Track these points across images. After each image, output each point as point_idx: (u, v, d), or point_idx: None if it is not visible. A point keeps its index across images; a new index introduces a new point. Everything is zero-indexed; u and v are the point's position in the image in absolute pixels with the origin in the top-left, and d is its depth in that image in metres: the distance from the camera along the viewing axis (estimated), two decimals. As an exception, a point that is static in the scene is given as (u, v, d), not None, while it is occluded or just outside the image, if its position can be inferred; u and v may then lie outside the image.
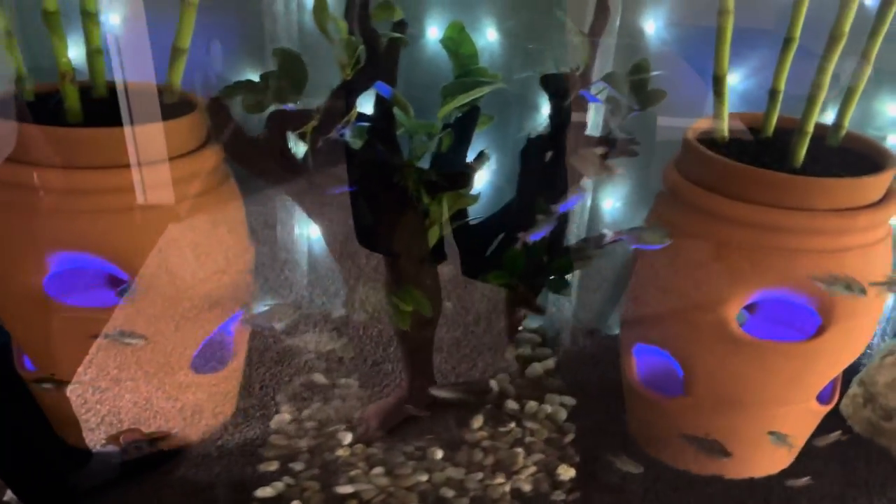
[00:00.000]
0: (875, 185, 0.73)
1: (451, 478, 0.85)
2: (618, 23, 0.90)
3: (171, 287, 0.73)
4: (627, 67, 0.81)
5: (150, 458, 0.83)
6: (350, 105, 0.67)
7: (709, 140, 0.78)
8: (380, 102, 0.69)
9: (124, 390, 0.79)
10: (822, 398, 0.86)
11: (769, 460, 0.88)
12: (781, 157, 0.75)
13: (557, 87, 0.75)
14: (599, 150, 0.79)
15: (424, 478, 0.85)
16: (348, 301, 0.86)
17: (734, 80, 0.98)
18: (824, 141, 0.80)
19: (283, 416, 0.91)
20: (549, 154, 0.82)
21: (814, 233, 0.72)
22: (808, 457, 0.91)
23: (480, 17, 0.98)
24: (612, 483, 0.86)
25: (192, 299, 0.75)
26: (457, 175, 0.73)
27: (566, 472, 0.87)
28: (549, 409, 0.96)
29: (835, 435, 0.83)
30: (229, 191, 0.77)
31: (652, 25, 0.97)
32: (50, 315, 0.71)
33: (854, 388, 0.97)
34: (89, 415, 0.80)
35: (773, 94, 0.77)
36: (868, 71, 0.75)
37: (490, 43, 1.03)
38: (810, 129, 0.73)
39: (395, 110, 0.73)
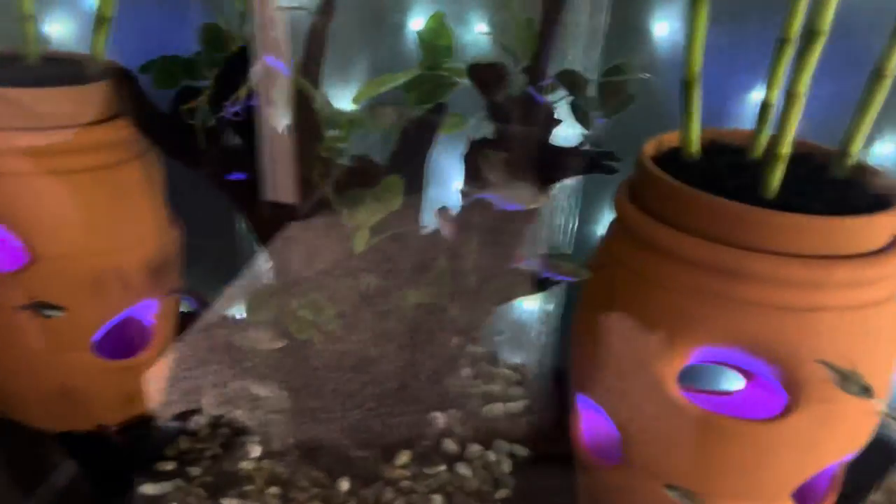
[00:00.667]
0: (863, 228, 0.56)
1: (347, 511, 0.76)
2: (605, 19, 0.78)
3: (73, 257, 0.70)
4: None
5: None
6: (238, 83, 0.62)
7: (671, 159, 0.65)
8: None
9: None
10: (802, 498, 0.68)
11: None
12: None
13: (485, 79, 0.65)
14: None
15: (319, 507, 0.76)
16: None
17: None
18: (827, 171, 0.63)
19: (200, 419, 0.86)
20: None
21: (775, 283, 0.56)
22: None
23: (471, 9, 0.89)
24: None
25: (97, 272, 0.72)
26: (368, 169, 0.65)
27: (481, 533, 0.75)
28: (492, 456, 0.84)
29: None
30: (146, 165, 0.74)
31: (664, 27, 0.84)
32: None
33: (875, 495, 0.77)
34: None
35: (763, 107, 0.62)
36: (888, 83, 0.58)
37: (477, 38, 0.93)
38: (784, 151, 0.57)
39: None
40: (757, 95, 0.83)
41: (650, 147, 0.65)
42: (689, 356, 0.61)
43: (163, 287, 0.79)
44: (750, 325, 0.57)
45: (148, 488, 0.77)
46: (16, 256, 0.71)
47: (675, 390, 0.62)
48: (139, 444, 0.83)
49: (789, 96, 0.55)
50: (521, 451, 0.86)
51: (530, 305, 1.02)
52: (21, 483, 0.79)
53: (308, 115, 0.67)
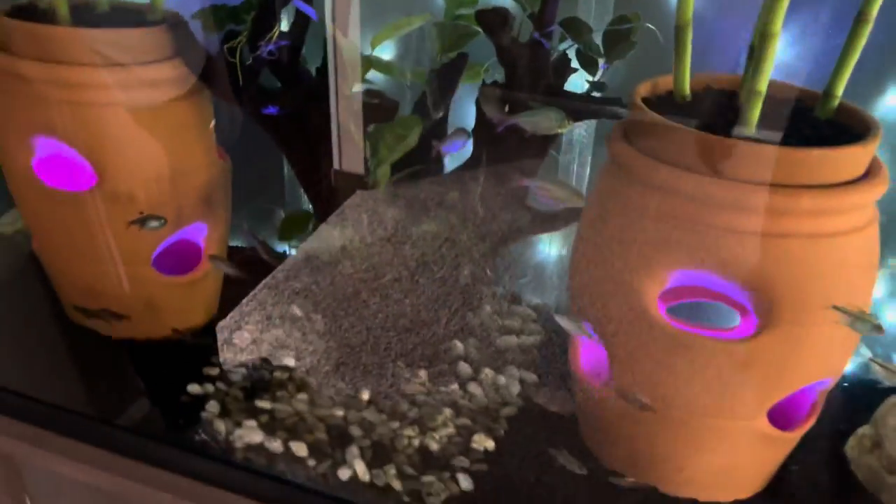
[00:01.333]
0: (828, 160, 0.60)
1: (365, 419, 0.85)
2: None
3: (133, 180, 0.81)
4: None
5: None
6: (271, 25, 0.70)
7: (664, 101, 0.70)
8: (297, 22, 0.71)
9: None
10: (783, 422, 0.72)
11: (716, 483, 0.76)
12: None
13: (490, 24, 0.71)
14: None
15: (340, 413, 0.85)
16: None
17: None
18: (813, 112, 0.67)
19: (244, 334, 0.96)
20: (506, 105, 0.78)
21: (743, 210, 0.61)
22: (780, 496, 0.78)
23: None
24: (526, 465, 0.80)
25: (154, 195, 0.82)
26: (381, 107, 0.73)
27: (483, 443, 0.82)
28: (502, 380, 0.91)
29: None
30: (198, 102, 0.84)
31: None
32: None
33: (864, 428, 0.80)
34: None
35: (751, 50, 0.66)
36: (867, 29, 0.62)
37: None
38: (760, 87, 0.62)
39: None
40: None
41: (644, 88, 0.70)
42: (668, 279, 0.66)
43: (211, 214, 0.90)
44: (721, 250, 0.62)
45: (194, 388, 0.88)
46: (86, 178, 0.82)
47: (654, 310, 0.68)
48: (192, 352, 0.94)
49: (762, 36, 0.60)
50: (530, 376, 0.93)
51: (550, 250, 1.08)
52: (95, 384, 0.92)
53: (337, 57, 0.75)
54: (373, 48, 0.77)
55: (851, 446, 0.81)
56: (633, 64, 0.83)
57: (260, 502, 0.78)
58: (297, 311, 1.00)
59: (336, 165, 0.77)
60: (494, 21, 0.71)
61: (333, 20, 0.74)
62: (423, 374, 0.91)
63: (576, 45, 0.75)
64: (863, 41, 0.62)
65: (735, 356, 0.66)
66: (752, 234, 0.61)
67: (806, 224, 0.60)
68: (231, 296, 1.01)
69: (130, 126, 0.79)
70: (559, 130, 0.71)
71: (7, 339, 0.98)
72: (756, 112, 0.62)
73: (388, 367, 0.91)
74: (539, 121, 0.67)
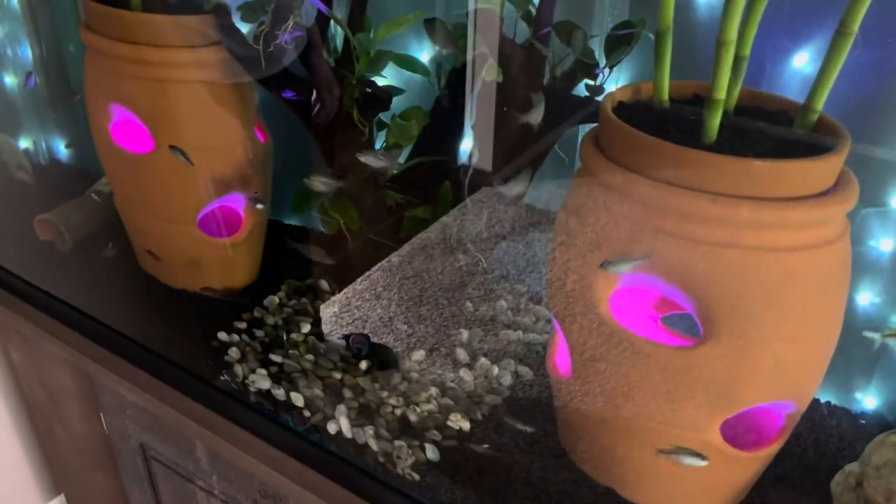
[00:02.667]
0: (777, 172, 0.59)
1: (358, 385, 0.92)
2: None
3: (184, 147, 0.93)
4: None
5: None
6: (286, 16, 0.78)
7: (641, 106, 0.70)
8: (318, 16, 0.79)
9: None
10: (740, 442, 0.71)
11: (673, 495, 0.76)
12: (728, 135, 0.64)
13: (481, 25, 0.75)
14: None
15: (338, 376, 0.93)
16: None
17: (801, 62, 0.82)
18: (792, 124, 0.65)
19: (274, 299, 1.07)
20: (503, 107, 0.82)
21: (687, 217, 0.61)
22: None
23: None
24: (492, 449, 0.84)
25: (200, 163, 0.94)
26: (376, 96, 0.79)
27: (458, 422, 0.87)
28: (496, 370, 0.95)
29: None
30: (241, 84, 0.95)
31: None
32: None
33: (852, 465, 0.76)
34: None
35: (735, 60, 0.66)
36: (848, 42, 0.60)
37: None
38: (718, 97, 0.61)
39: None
40: (799, 60, 0.83)
41: (621, 93, 0.71)
42: (618, 280, 0.68)
43: (250, 186, 1.00)
44: (667, 256, 0.63)
45: (222, 336, 0.99)
46: (146, 142, 0.95)
47: (605, 309, 0.69)
48: (228, 306, 1.06)
49: (718, 44, 0.60)
50: (527, 371, 0.95)
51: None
52: (152, 322, 1.06)
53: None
54: (377, 42, 0.83)
55: (837, 482, 0.77)
56: (646, 69, 0.84)
57: (262, 439, 0.87)
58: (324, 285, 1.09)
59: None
60: (483, 23, 0.75)
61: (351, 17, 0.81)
62: (419, 353, 0.96)
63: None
64: (844, 55, 0.60)
65: (679, 363, 0.66)
66: (695, 241, 0.61)
67: (747, 236, 0.60)
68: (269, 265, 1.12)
69: (182, 101, 0.91)
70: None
71: (94, 279, 1.15)
72: (714, 120, 0.62)
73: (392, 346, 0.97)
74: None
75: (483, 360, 0.96)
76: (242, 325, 1.02)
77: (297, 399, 0.89)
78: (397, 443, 0.83)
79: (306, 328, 1.01)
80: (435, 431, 0.85)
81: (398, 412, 0.88)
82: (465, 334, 1.00)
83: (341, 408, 0.88)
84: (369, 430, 0.85)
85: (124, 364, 0.99)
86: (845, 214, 0.63)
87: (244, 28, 0.88)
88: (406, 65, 0.88)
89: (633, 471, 0.76)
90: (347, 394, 0.91)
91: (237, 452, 0.87)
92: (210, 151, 0.95)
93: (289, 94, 0.84)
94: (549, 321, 1.06)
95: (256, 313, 1.04)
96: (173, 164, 0.94)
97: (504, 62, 0.77)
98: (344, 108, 0.82)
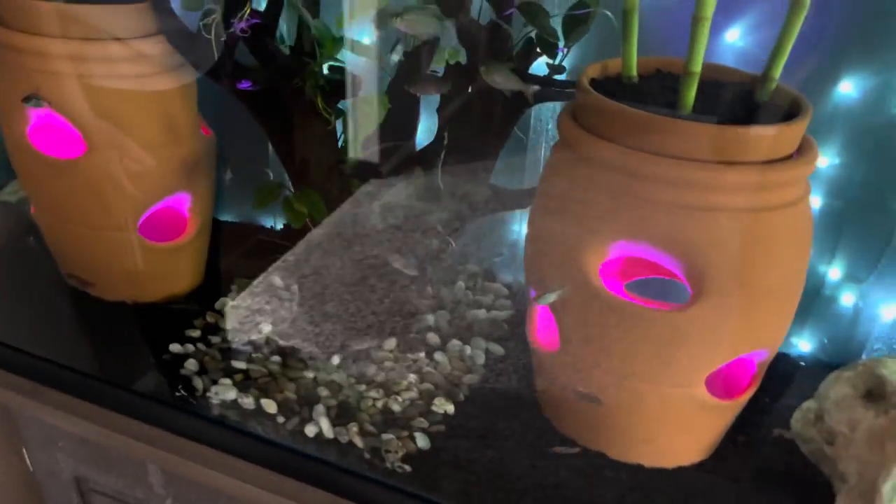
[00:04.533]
0: (753, 137, 0.63)
1: (334, 381, 0.90)
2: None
3: (121, 149, 0.86)
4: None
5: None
6: (242, 2, 0.75)
7: (611, 82, 0.73)
8: (271, 2, 0.75)
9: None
10: (722, 391, 0.76)
11: (659, 449, 0.80)
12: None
13: (448, 6, 0.75)
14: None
15: (311, 375, 0.90)
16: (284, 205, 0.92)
17: (733, 36, 0.88)
18: (754, 94, 0.70)
19: (227, 301, 1.02)
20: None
21: (674, 184, 0.64)
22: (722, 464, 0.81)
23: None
24: (481, 428, 0.85)
25: (140, 164, 0.88)
26: (343, 83, 0.77)
27: (443, 406, 0.87)
28: (468, 350, 0.96)
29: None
30: (181, 77, 0.89)
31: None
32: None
33: (809, 402, 0.83)
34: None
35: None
36: (802, 13, 0.65)
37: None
38: (694, 69, 0.65)
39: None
40: (731, 35, 0.89)
41: (593, 69, 0.73)
42: (609, 250, 0.70)
43: (195, 184, 0.95)
44: (656, 223, 0.66)
45: (175, 347, 0.93)
46: (76, 146, 0.87)
47: (597, 280, 0.71)
48: (175, 315, 1.00)
49: (694, 20, 0.63)
50: (497, 349, 0.97)
51: (523, 229, 1.12)
52: (86, 342, 0.98)
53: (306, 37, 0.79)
54: (339, 28, 0.81)
55: (796, 419, 0.84)
56: (603, 48, 0.87)
57: (232, 455, 0.83)
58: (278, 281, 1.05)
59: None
60: (451, 3, 0.75)
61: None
62: (391, 342, 0.96)
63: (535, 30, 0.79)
64: (798, 25, 0.65)
65: (670, 324, 0.69)
66: (683, 207, 0.65)
67: (735, 199, 0.64)
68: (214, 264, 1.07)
69: (119, 98, 0.84)
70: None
71: (7, 299, 1.04)
72: (690, 92, 0.66)
73: (364, 338, 0.96)
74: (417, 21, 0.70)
75: (455, 342, 0.97)
76: (196, 333, 0.96)
77: (269, 405, 0.86)
78: (384, 436, 0.82)
79: (267, 328, 0.97)
80: (421, 419, 0.85)
81: (379, 404, 0.87)
82: (430, 318, 1.00)
83: (319, 408, 0.85)
84: (353, 428, 0.83)
85: (54, 393, 0.91)
86: (808, 175, 0.69)
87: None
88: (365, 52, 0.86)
89: (620, 433, 0.79)
90: (324, 392, 0.88)
91: (201, 470, 0.82)
92: (153, 150, 0.88)
93: (245, 85, 0.79)
94: (506, 297, 1.08)
95: (209, 318, 0.99)
96: (110, 168, 0.87)
97: (469, 43, 0.78)
98: (306, 96, 0.79)
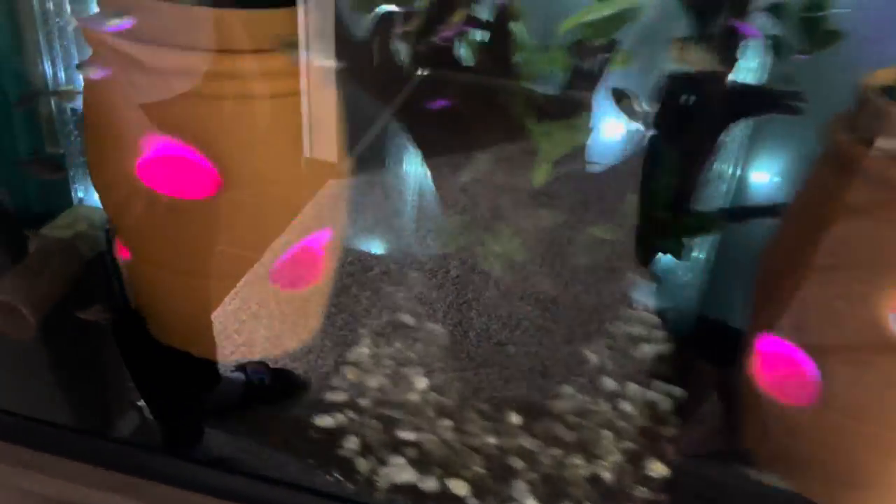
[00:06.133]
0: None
1: (523, 447, 0.76)
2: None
3: (253, 183, 0.69)
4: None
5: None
6: (451, 8, 0.59)
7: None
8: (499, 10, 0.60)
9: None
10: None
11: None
12: None
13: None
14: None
15: (493, 440, 0.77)
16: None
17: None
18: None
19: (363, 350, 0.86)
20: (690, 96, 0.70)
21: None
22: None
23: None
24: (710, 493, 0.74)
25: (272, 200, 0.71)
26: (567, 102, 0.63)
27: (657, 469, 0.75)
28: (652, 395, 0.84)
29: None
30: (329, 96, 0.72)
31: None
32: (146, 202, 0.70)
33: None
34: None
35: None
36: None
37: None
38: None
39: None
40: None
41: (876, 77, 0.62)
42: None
43: (338, 218, 0.79)
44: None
45: (323, 420, 0.77)
46: (206, 182, 0.70)
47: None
48: (306, 373, 0.84)
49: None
50: (678, 391, 0.86)
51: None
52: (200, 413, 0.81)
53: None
54: (563, 32, 0.66)
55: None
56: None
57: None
58: (409, 319, 0.90)
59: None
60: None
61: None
62: (566, 389, 0.83)
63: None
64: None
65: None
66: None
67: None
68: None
69: (263, 121, 0.67)
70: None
71: (78, 350, 0.86)
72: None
73: (532, 387, 0.82)
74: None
75: (632, 385, 0.85)
76: (340, 397, 0.81)
77: (458, 486, 0.72)
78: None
79: (422, 382, 0.83)
80: (641, 488, 0.73)
81: (585, 472, 0.75)
82: (593, 356, 0.88)
83: (519, 485, 0.72)
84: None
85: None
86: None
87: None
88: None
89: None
90: (517, 463, 0.75)
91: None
92: (299, 182, 0.72)
93: (440, 104, 0.64)
94: (658, 327, 0.97)
95: (349, 374, 0.84)
96: (250, 208, 0.70)
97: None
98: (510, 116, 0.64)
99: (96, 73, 0.67)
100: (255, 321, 0.79)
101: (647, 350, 0.91)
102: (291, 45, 0.60)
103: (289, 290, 0.79)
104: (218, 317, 0.76)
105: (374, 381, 0.82)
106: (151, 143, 0.66)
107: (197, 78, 0.62)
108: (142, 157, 0.68)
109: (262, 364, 0.81)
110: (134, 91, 0.64)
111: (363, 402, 0.80)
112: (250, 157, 0.66)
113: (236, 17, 0.61)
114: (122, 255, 0.81)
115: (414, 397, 0.81)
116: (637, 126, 0.72)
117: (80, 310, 0.83)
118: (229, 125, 0.64)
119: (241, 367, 0.81)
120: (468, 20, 0.60)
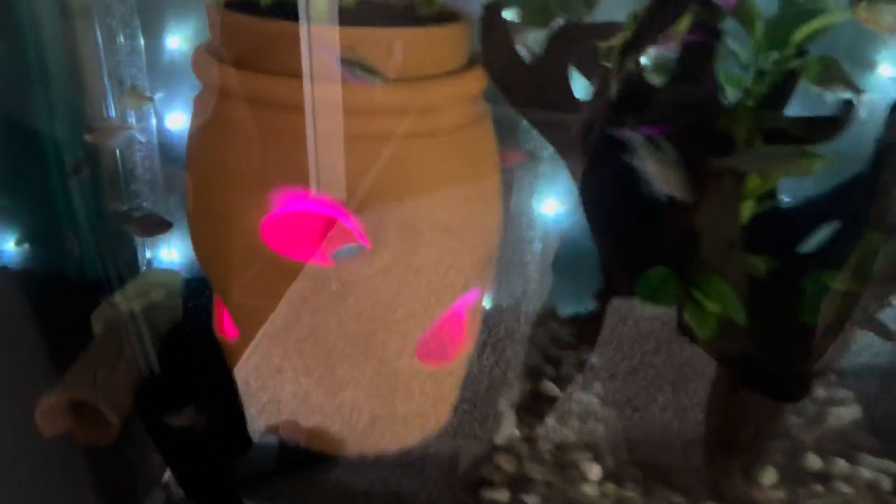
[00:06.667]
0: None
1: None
2: None
3: (405, 243, 0.56)
4: None
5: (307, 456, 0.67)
6: (674, 15, 0.47)
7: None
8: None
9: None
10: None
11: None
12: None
13: None
14: None
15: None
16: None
17: None
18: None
19: (512, 432, 0.72)
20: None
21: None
22: None
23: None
24: None
25: (447, 259, 0.58)
26: (823, 123, 0.50)
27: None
28: (866, 473, 0.70)
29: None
30: (485, 131, 0.60)
31: None
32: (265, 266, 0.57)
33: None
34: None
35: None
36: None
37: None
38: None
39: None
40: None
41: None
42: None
43: (488, 276, 0.65)
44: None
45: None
46: (353, 243, 0.56)
47: None
48: (449, 461, 0.69)
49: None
50: (892, 466, 0.71)
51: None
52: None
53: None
54: (793, 45, 0.53)
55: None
56: None
57: None
58: (586, 397, 0.76)
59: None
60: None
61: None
62: (770, 474, 0.69)
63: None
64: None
65: None
66: None
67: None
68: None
69: (426, 163, 0.54)
70: None
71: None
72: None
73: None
74: None
75: (840, 462, 0.71)
76: (502, 496, 0.66)
77: None
78: None
79: (594, 470, 0.68)
80: None
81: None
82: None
83: None
84: None
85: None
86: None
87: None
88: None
89: None
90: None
91: None
92: (459, 238, 0.58)
93: (654, 130, 0.51)
94: (840, 386, 0.82)
95: (504, 464, 0.69)
96: (408, 277, 0.56)
97: None
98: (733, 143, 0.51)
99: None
100: (391, 407, 0.65)
101: (844, 415, 0.76)
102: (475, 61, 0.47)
103: (435, 364, 0.65)
104: (351, 408, 0.62)
105: (540, 474, 0.68)
106: (285, 197, 0.53)
107: (368, 114, 0.48)
108: (270, 213, 0.54)
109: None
110: (268, 133, 0.51)
111: (526, 498, 0.65)
112: (432, 204, 0.52)
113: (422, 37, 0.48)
114: (228, 332, 0.67)
115: (590, 491, 0.66)
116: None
117: (167, 413, 0.67)
118: (411, 166, 0.51)
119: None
120: (693, 28, 0.47)
